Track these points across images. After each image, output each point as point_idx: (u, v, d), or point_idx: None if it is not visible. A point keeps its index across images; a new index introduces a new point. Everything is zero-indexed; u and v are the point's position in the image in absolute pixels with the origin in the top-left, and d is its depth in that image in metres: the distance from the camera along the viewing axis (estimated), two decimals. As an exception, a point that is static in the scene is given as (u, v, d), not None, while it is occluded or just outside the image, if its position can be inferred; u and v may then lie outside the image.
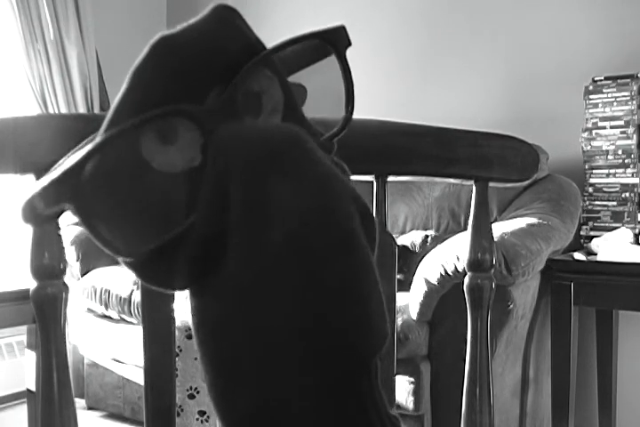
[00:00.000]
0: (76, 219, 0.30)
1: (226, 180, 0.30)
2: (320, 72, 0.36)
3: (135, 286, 2.06)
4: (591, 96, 1.90)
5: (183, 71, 0.33)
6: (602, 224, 1.90)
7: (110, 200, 0.32)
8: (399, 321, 1.60)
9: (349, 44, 0.35)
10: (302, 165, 0.30)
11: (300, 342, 0.29)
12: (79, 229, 2.36)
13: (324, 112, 0.37)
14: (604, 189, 1.90)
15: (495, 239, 0.67)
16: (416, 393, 1.58)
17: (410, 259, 1.98)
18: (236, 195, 0.29)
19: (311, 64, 0.36)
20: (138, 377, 2.05)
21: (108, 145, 0.30)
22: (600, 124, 1.89)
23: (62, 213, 0.31)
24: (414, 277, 1.65)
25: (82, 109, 2.64)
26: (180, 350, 1.62)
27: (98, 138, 0.30)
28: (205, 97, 0.33)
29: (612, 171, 1.88)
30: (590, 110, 1.90)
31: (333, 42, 0.35)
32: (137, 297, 2.03)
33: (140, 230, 0.32)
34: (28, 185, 0.51)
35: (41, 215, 0.30)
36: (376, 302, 0.31)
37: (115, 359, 2.16)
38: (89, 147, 0.30)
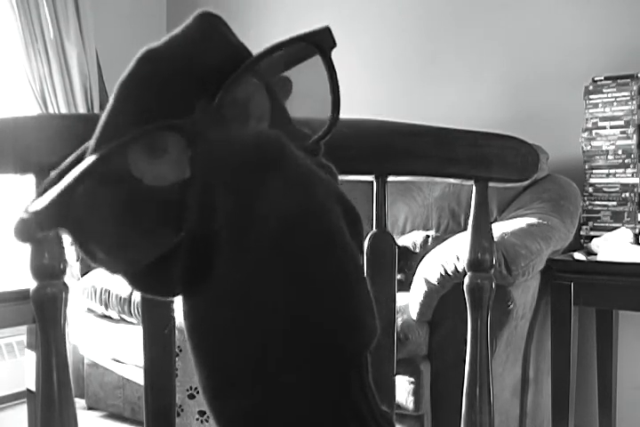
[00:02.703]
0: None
1: (212, 187, 0.30)
2: (306, 73, 0.36)
3: (135, 286, 2.06)
4: (591, 96, 1.90)
5: (169, 84, 0.34)
6: (602, 224, 1.90)
7: (103, 220, 0.32)
8: (399, 321, 1.60)
9: (334, 44, 0.35)
10: (284, 169, 0.30)
11: (290, 342, 0.29)
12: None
13: (311, 114, 0.37)
14: (604, 189, 1.90)
15: (495, 239, 0.67)
16: (416, 393, 1.58)
17: (411, 259, 1.98)
18: (222, 200, 0.30)
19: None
20: (138, 377, 2.05)
21: (98, 167, 0.30)
22: (600, 124, 1.89)
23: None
24: (414, 277, 1.65)
25: (82, 109, 2.64)
26: (180, 350, 1.62)
27: (88, 158, 0.31)
28: (193, 108, 0.33)
29: (611, 171, 1.88)
30: (590, 110, 1.90)
31: (318, 43, 0.35)
32: (137, 297, 2.03)
33: (133, 248, 0.32)
34: (25, 193, 0.51)
35: (34, 237, 0.30)
36: (363, 298, 0.31)
37: (115, 359, 2.16)
38: (79, 169, 0.30)
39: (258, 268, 0.29)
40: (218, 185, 0.30)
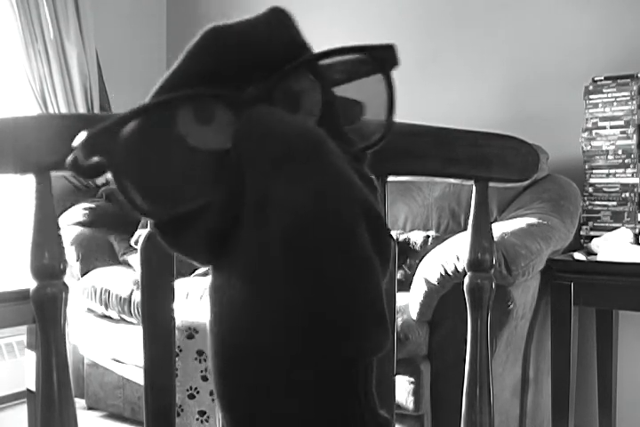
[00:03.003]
0: (108, 175, 0.31)
1: (242, 166, 0.31)
2: (364, 87, 0.37)
3: (135, 286, 2.06)
4: (591, 96, 1.90)
5: (230, 58, 0.35)
6: (602, 224, 1.90)
7: (142, 163, 0.33)
8: (399, 321, 1.60)
9: (397, 63, 0.36)
10: (313, 164, 0.30)
11: (299, 340, 0.29)
12: (79, 229, 2.36)
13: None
14: (604, 189, 1.90)
15: (495, 239, 0.67)
16: (416, 393, 1.58)
17: (411, 257, 1.98)
18: (248, 182, 0.30)
19: (354, 76, 0.37)
20: (138, 377, 2.05)
21: (148, 112, 0.32)
22: (600, 124, 1.89)
23: (101, 170, 0.31)
24: (414, 277, 1.65)
25: (82, 109, 2.64)
26: (180, 350, 1.62)
27: (142, 103, 0.32)
28: (246, 86, 0.34)
29: (611, 171, 1.88)
30: (590, 110, 1.90)
31: (381, 60, 0.36)
32: (137, 297, 2.03)
33: (166, 195, 0.33)
34: (29, 183, 0.51)
35: (82, 166, 0.31)
36: (376, 300, 0.31)
37: (115, 359, 2.17)
38: (130, 110, 0.31)
39: (269, 260, 0.29)
40: (248, 163, 0.31)
